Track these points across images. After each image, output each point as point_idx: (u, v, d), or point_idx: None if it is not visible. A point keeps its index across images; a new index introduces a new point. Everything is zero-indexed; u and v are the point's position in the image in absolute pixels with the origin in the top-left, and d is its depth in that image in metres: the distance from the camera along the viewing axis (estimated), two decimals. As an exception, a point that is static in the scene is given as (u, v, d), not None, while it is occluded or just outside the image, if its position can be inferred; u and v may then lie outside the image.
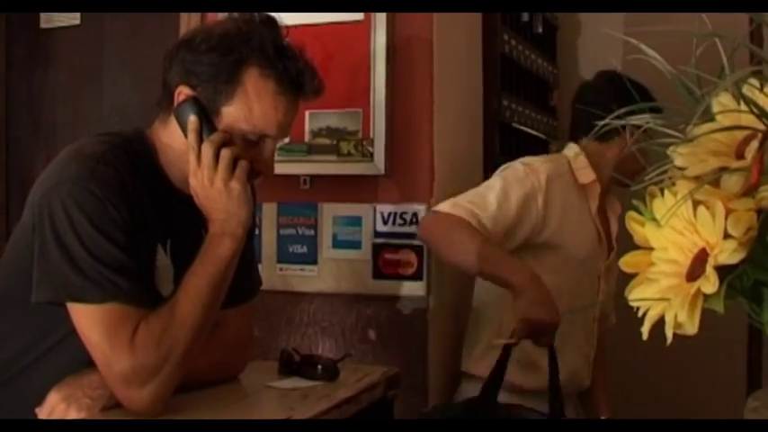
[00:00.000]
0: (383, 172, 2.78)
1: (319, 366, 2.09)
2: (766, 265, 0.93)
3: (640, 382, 3.98)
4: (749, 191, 0.93)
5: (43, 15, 3.75)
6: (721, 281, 0.91)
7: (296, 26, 2.72)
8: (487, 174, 3.32)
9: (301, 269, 2.90)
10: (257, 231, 2.64)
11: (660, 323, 0.95)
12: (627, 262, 1.03)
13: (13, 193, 3.76)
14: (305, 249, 2.90)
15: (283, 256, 2.92)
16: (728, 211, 0.92)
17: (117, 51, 3.66)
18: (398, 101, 2.81)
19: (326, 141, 2.83)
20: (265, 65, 1.83)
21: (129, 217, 1.75)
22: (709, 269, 0.91)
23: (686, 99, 1.03)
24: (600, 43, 4.30)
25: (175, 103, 1.85)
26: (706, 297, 0.92)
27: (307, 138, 2.85)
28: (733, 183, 0.94)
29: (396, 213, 2.80)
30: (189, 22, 3.03)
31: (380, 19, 2.79)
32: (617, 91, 2.37)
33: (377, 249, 2.83)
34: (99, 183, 1.73)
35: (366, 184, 2.83)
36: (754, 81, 0.99)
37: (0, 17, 3.79)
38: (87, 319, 1.73)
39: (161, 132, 1.92)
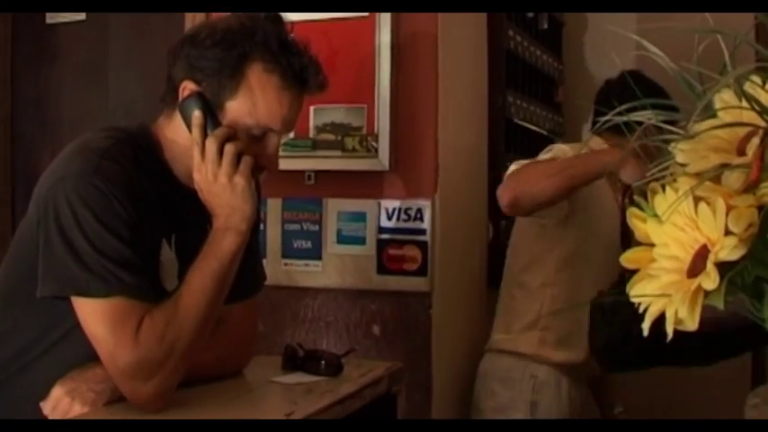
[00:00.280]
0: (388, 168, 2.79)
1: (323, 361, 2.09)
2: (767, 261, 0.93)
3: (640, 381, 3.97)
4: (750, 187, 0.93)
5: (48, 11, 3.76)
6: (722, 277, 0.91)
7: (302, 22, 2.74)
8: (492, 170, 3.33)
9: (306, 264, 2.90)
10: (261, 227, 2.64)
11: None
12: (628, 258, 1.03)
13: (18, 188, 3.77)
14: (309, 245, 2.90)
15: (288, 252, 2.92)
16: (729, 208, 0.92)
17: (122, 47, 3.67)
18: (403, 97, 2.81)
19: (331, 137, 2.83)
20: (269, 59, 1.83)
21: (133, 212, 1.75)
22: (710, 265, 0.91)
23: (688, 95, 1.03)
24: (606, 39, 4.30)
25: (180, 99, 1.86)
26: (707, 293, 0.92)
27: (311, 133, 2.86)
28: (734, 179, 0.94)
29: (400, 209, 2.80)
30: (194, 17, 3.03)
31: (386, 15, 2.79)
32: (641, 89, 2.43)
33: (381, 245, 2.83)
34: (103, 178, 1.73)
35: (371, 179, 2.83)
36: (756, 78, 0.99)
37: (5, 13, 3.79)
38: (91, 313, 1.73)
39: (165, 128, 1.92)
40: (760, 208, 0.92)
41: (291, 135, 2.85)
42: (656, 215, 1.00)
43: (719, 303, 0.91)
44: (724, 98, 1.01)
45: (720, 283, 0.91)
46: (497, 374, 2.93)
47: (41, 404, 1.79)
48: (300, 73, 1.86)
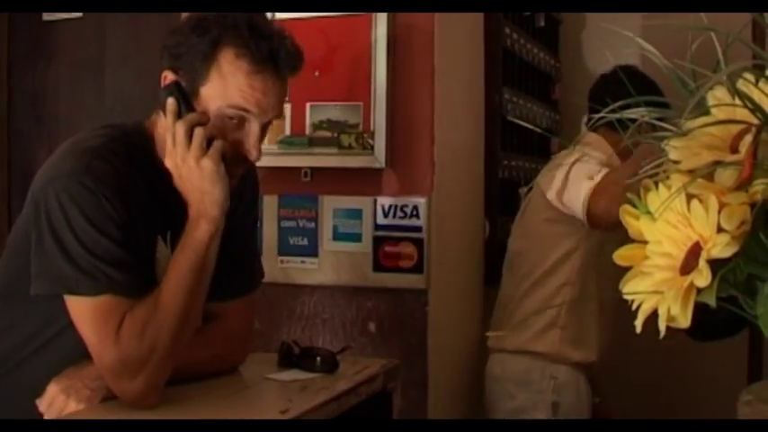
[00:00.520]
0: (384, 165, 2.79)
1: (318, 358, 2.09)
2: (759, 258, 0.94)
3: (640, 381, 3.98)
4: (743, 185, 0.93)
5: (45, 8, 3.75)
6: (714, 274, 0.91)
7: (298, 19, 2.74)
8: (489, 167, 3.34)
9: (302, 261, 2.90)
10: (258, 224, 2.64)
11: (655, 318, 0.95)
12: (621, 255, 1.03)
13: (15, 184, 3.77)
14: (306, 242, 2.90)
15: (284, 249, 2.92)
16: (722, 205, 0.92)
17: (119, 44, 3.67)
18: (399, 94, 2.80)
19: (327, 134, 2.83)
20: (240, 44, 1.80)
21: (124, 210, 1.76)
22: (703, 263, 0.91)
23: (682, 93, 1.03)
24: (603, 37, 4.30)
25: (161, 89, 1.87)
26: (699, 290, 0.92)
27: (308, 130, 2.86)
28: (727, 177, 0.94)
29: (396, 206, 2.80)
30: (190, 14, 3.03)
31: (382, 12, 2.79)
32: (637, 84, 2.46)
33: (377, 242, 2.83)
34: (93, 177, 1.74)
35: (367, 176, 2.83)
36: (749, 75, 1.00)
37: (2, 9, 3.79)
38: (80, 311, 1.75)
39: (158, 123, 1.91)
40: (752, 205, 0.92)
41: (288, 132, 2.86)
42: (648, 212, 1.00)
43: (711, 300, 0.92)
44: (717, 95, 1.01)
45: (713, 281, 0.91)
46: (513, 376, 2.95)
47: (37, 401, 1.80)
48: (271, 56, 1.81)
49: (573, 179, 2.76)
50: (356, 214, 2.84)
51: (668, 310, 0.93)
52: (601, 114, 1.08)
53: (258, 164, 1.97)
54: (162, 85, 1.86)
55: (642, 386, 3.98)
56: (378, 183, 2.83)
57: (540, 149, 4.12)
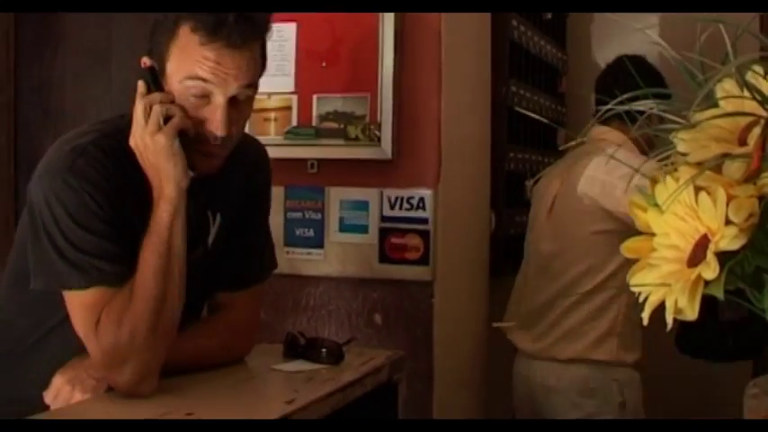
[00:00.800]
0: (390, 156, 2.78)
1: (324, 349, 2.09)
2: (767, 251, 0.93)
3: (643, 377, 3.98)
4: (751, 177, 0.93)
5: (52, -3, 3.75)
6: (722, 267, 0.91)
7: (306, 12, 2.75)
8: (495, 159, 3.33)
9: (308, 253, 2.90)
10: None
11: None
12: (628, 247, 1.03)
13: (21, 174, 3.76)
14: (312, 233, 2.90)
15: (290, 240, 2.92)
16: (730, 198, 0.92)
17: (126, 33, 3.66)
18: (406, 86, 2.80)
19: (334, 125, 2.83)
20: (195, 18, 1.79)
21: (109, 206, 1.77)
22: (710, 255, 0.91)
23: (690, 85, 1.03)
24: (609, 30, 4.30)
25: None
26: (707, 283, 0.92)
27: (314, 122, 2.86)
28: (735, 169, 0.94)
29: (402, 198, 2.80)
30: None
31: (389, 3, 2.79)
32: (644, 74, 2.45)
33: (383, 234, 2.83)
34: (75, 175, 1.76)
35: (373, 168, 2.83)
36: (758, 68, 0.99)
37: (9, -1, 3.79)
38: (71, 305, 1.78)
39: None
40: (761, 198, 0.92)
41: (294, 123, 2.86)
42: (656, 204, 1.00)
43: (719, 293, 0.92)
44: (725, 87, 1.01)
45: (720, 273, 0.91)
46: (575, 386, 2.95)
47: (44, 394, 1.81)
48: (218, 25, 1.78)
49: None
50: (362, 206, 2.84)
51: (675, 303, 0.93)
52: (608, 106, 1.07)
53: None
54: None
55: (642, 386, 3.98)
56: (384, 174, 2.82)
57: (547, 142, 4.12)
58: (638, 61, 2.75)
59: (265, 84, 2.83)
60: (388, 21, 2.77)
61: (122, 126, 1.88)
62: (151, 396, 1.76)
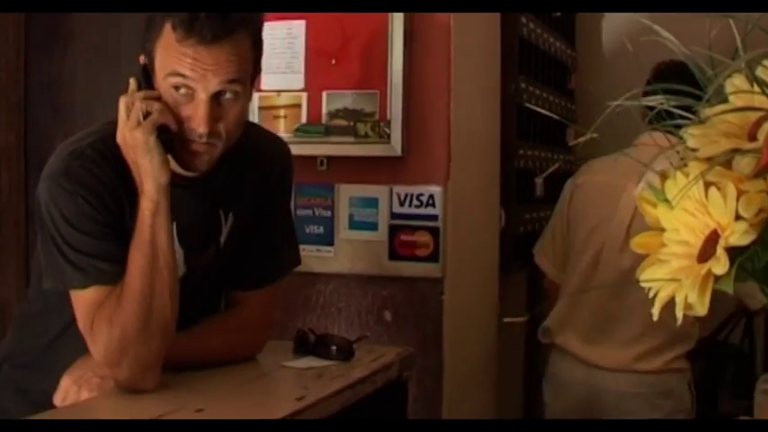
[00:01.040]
0: (400, 153, 2.78)
1: (334, 346, 2.09)
2: (777, 246, 0.94)
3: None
4: (761, 172, 0.93)
5: (62, -5, 3.76)
6: (732, 262, 0.91)
7: (316, 11, 2.75)
8: (505, 156, 3.33)
9: (318, 250, 2.90)
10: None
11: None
12: (638, 243, 1.03)
13: (31, 174, 3.78)
14: (321, 230, 2.90)
15: (300, 237, 2.90)
16: (740, 193, 0.92)
17: (135, 31, 3.66)
18: (416, 82, 2.80)
19: (343, 123, 2.83)
20: (175, 16, 1.78)
21: (104, 208, 1.79)
22: (720, 250, 0.91)
23: (700, 81, 1.03)
24: (619, 26, 4.29)
25: None
26: (716, 278, 0.92)
27: (324, 119, 2.85)
28: (745, 164, 0.94)
29: (412, 195, 2.80)
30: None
31: (398, 0, 2.79)
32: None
33: (393, 231, 2.83)
34: (70, 178, 1.78)
35: (383, 165, 2.83)
36: (768, 63, 0.99)
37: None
38: (75, 303, 1.81)
39: None
40: (771, 193, 0.92)
41: (304, 120, 2.86)
42: (666, 200, 1.00)
43: (729, 288, 0.92)
44: (735, 83, 1.00)
45: (730, 268, 0.91)
46: (653, 390, 2.95)
47: (54, 396, 1.83)
48: (191, 22, 1.77)
49: None
50: (372, 203, 2.84)
51: (686, 298, 0.93)
52: (616, 103, 1.07)
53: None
54: None
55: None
56: (394, 171, 2.82)
57: (556, 139, 4.11)
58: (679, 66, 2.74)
59: (275, 81, 2.83)
60: (397, 18, 2.77)
61: None
62: (161, 392, 1.77)
